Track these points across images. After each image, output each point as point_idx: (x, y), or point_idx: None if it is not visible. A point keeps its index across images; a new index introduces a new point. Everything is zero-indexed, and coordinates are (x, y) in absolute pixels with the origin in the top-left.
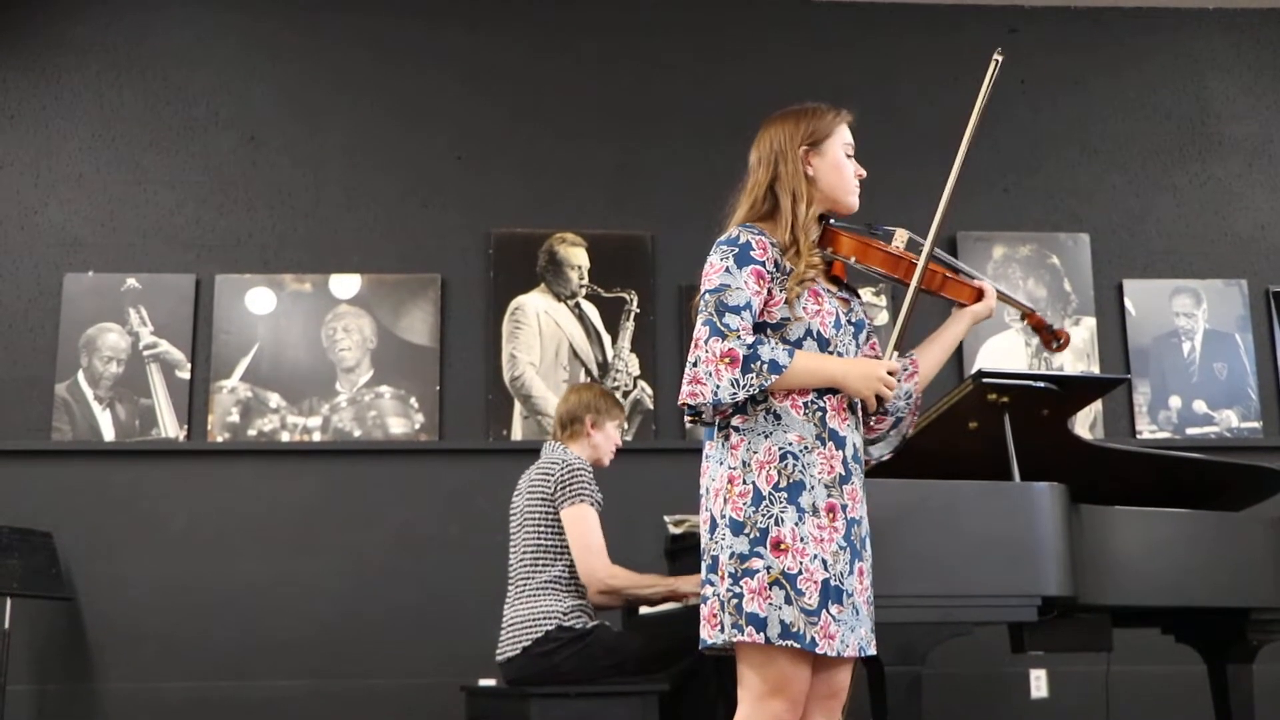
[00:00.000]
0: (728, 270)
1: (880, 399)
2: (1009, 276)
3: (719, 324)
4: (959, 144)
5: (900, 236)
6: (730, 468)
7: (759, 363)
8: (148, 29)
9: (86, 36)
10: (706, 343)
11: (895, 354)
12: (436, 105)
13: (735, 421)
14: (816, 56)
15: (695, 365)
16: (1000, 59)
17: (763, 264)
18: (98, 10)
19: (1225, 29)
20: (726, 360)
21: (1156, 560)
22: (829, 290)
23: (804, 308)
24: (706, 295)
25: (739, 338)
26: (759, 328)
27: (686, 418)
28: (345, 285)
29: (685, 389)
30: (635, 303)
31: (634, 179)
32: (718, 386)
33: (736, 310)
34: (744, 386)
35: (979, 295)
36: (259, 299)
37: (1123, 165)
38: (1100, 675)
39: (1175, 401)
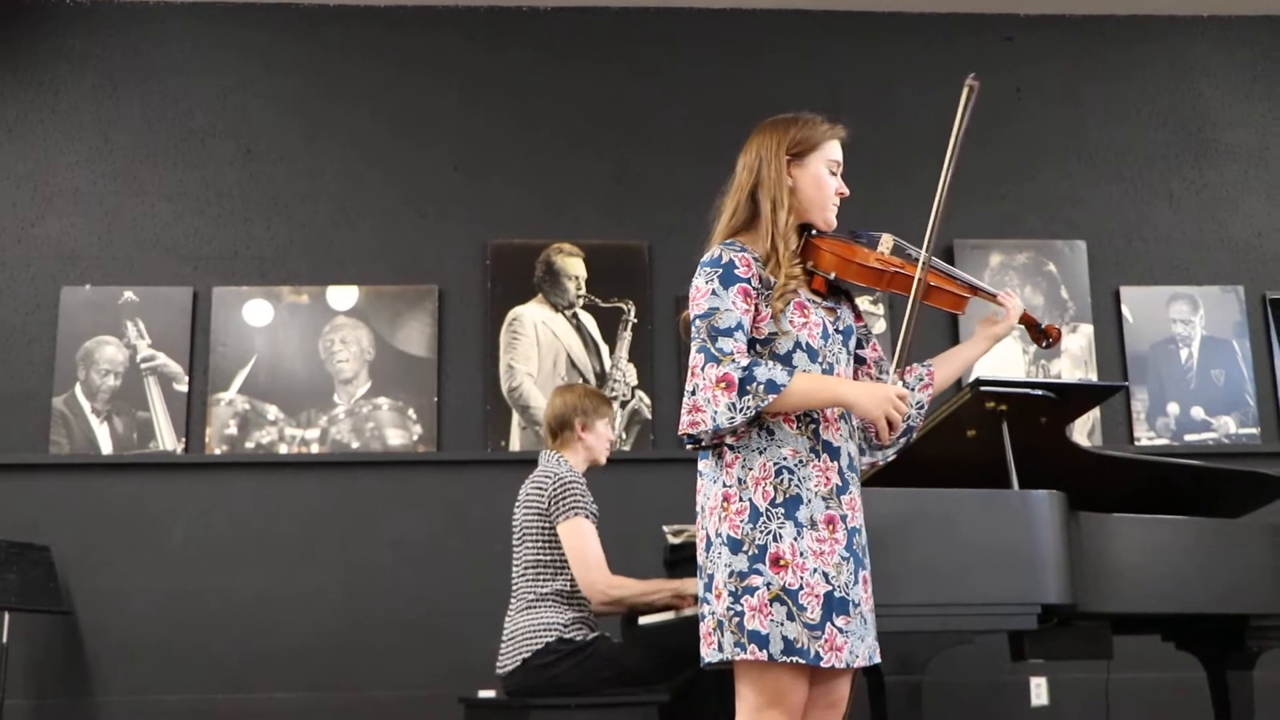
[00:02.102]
0: (714, 293)
1: (890, 424)
2: (1006, 284)
3: (713, 350)
4: (953, 155)
5: (885, 243)
6: (725, 485)
7: (755, 384)
8: (144, 41)
9: (83, 49)
10: (703, 370)
11: (898, 380)
12: (433, 116)
13: (729, 439)
14: (813, 66)
15: (694, 394)
16: (975, 85)
17: (748, 280)
18: (95, 23)
19: (1221, 36)
20: (722, 385)
21: (1155, 567)
22: (814, 301)
23: (790, 320)
24: (697, 321)
25: (734, 360)
26: (749, 344)
27: (687, 446)
28: (342, 297)
29: (685, 418)
30: (633, 313)
31: (631, 189)
32: (715, 412)
33: (729, 333)
34: (741, 410)
35: (963, 303)
36: (256, 311)
37: (1119, 172)
38: (1100, 683)
39: (1173, 408)
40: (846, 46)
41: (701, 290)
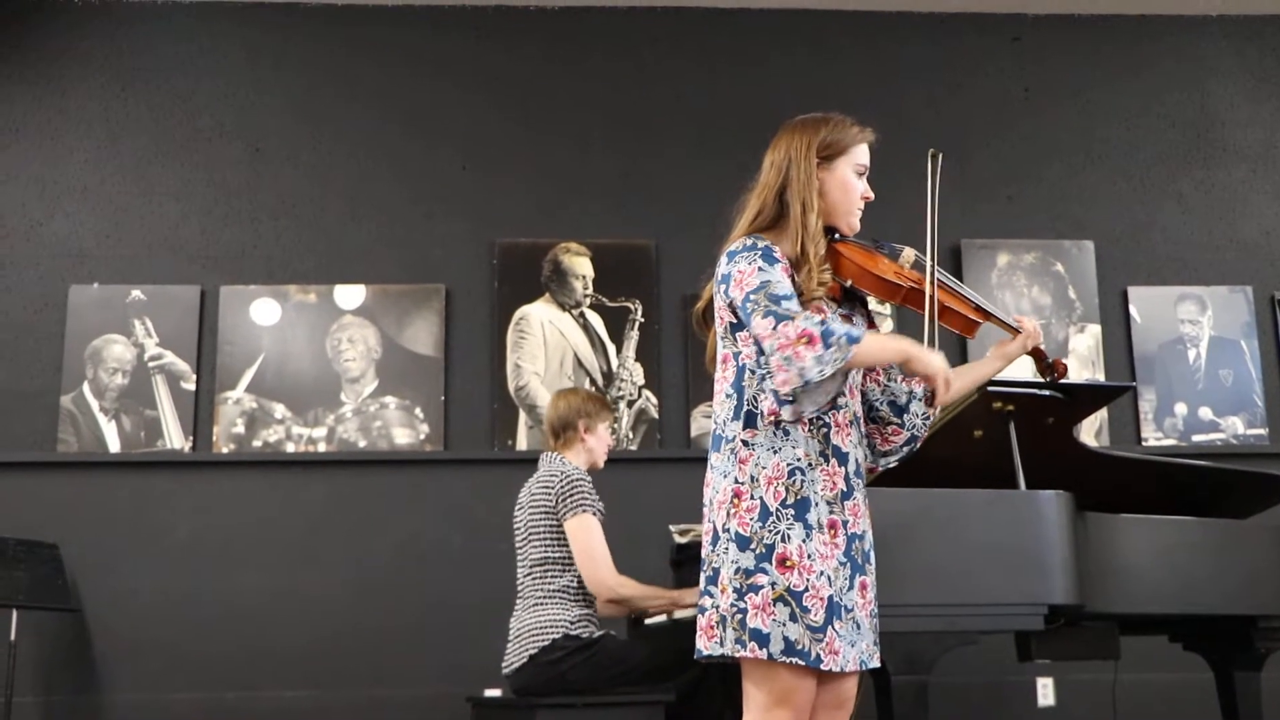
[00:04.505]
0: (761, 269)
1: (934, 391)
2: (1014, 285)
3: (780, 311)
4: (960, 154)
5: (906, 256)
6: (737, 481)
7: (836, 337)
8: (152, 41)
9: (92, 49)
10: (776, 329)
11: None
12: (441, 116)
13: (745, 435)
14: (820, 65)
15: (772, 354)
16: (940, 155)
17: (785, 264)
18: (103, 23)
19: (1229, 35)
20: (804, 340)
21: (1163, 568)
22: (830, 306)
23: (819, 312)
24: (752, 295)
25: (807, 317)
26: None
27: (731, 423)
28: (350, 296)
29: (778, 378)
30: (639, 312)
31: (637, 188)
32: (803, 368)
33: (789, 297)
34: (829, 361)
35: (974, 328)
36: (264, 310)
37: (1127, 172)
38: (1107, 683)
39: (1181, 408)
40: (854, 46)
41: (747, 271)
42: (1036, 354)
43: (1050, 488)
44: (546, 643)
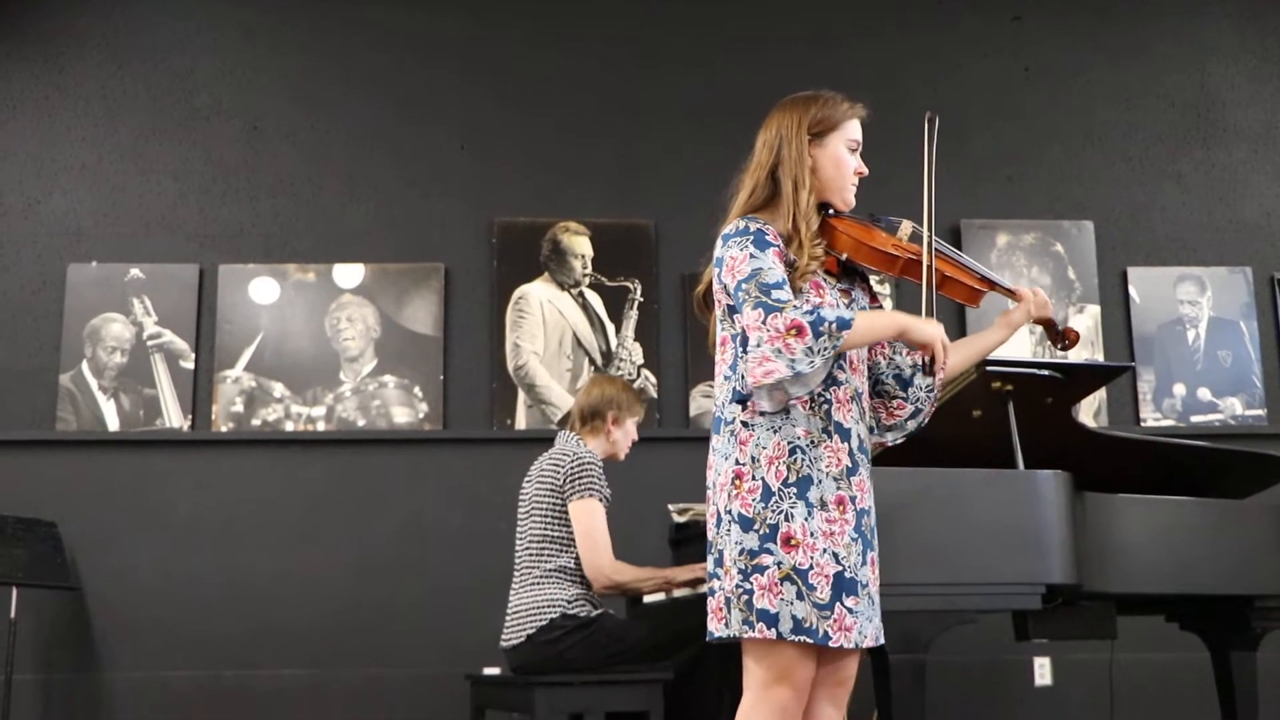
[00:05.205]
0: (752, 255)
1: (933, 357)
2: (1013, 265)
3: (769, 301)
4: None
5: (904, 229)
6: (738, 463)
7: (827, 324)
8: (150, 18)
9: (89, 26)
10: (765, 322)
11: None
12: (439, 95)
13: (744, 416)
14: (818, 45)
15: (759, 345)
16: (936, 117)
17: (779, 247)
18: (100, 1)
19: (1229, 15)
20: (793, 332)
21: (1160, 548)
22: (829, 281)
23: (807, 299)
24: (743, 283)
25: (796, 308)
26: None
27: (730, 405)
28: (349, 275)
29: (757, 370)
30: (639, 291)
31: (636, 168)
32: (793, 360)
33: (779, 285)
34: (819, 351)
35: (977, 297)
36: (262, 289)
37: (1127, 153)
38: (1104, 663)
39: (1179, 389)
40: (852, 26)
41: (739, 257)
42: (1047, 324)
43: (1049, 468)
44: (544, 622)
